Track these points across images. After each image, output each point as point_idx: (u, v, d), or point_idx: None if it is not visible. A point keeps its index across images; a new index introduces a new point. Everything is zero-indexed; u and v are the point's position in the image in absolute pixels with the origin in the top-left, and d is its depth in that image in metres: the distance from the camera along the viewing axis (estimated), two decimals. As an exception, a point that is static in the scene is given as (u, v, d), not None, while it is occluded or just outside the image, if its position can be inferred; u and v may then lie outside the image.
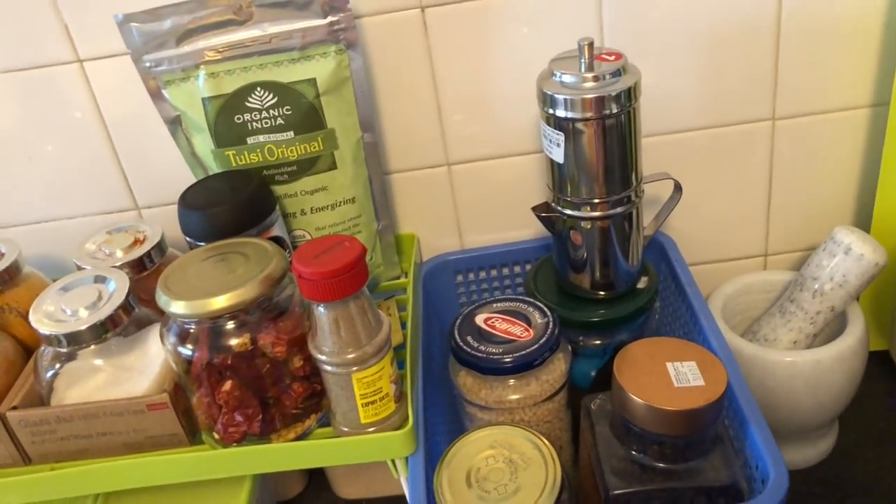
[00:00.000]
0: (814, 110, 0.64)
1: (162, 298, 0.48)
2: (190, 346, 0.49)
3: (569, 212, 0.57)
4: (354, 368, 0.49)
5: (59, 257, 0.68)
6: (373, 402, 0.50)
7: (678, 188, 0.61)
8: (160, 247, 0.59)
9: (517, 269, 0.70)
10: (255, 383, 0.50)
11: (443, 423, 0.60)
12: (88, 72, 0.62)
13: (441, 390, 0.61)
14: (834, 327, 0.64)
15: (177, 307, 0.48)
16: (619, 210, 0.56)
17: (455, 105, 0.64)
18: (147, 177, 0.67)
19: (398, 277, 0.67)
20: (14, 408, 0.53)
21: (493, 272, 0.70)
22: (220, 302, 0.47)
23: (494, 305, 0.59)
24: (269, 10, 0.55)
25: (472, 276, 0.70)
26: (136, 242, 0.59)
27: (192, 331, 0.49)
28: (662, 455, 0.50)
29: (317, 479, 0.73)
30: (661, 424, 0.48)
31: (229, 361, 0.49)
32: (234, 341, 0.49)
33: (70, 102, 0.64)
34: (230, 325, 0.49)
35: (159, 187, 0.67)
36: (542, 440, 0.50)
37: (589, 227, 0.57)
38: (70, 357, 0.53)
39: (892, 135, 0.61)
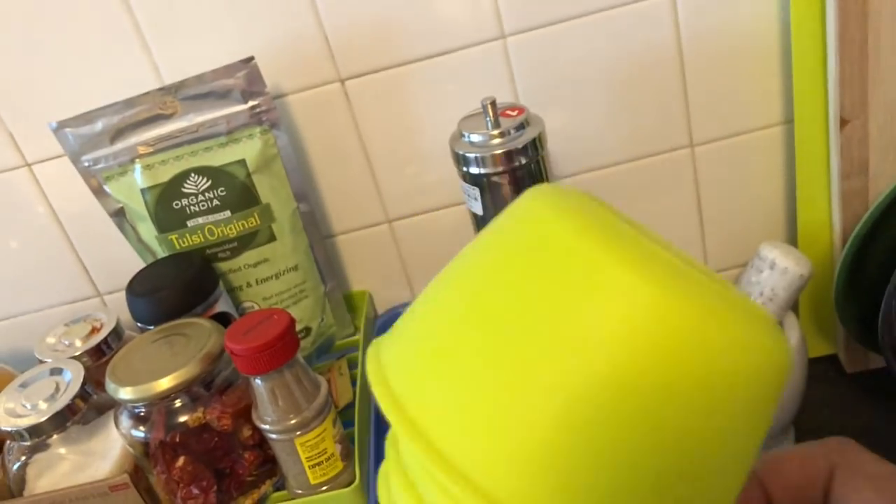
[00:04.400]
0: (729, 133, 0.67)
1: (110, 386, 0.51)
2: (142, 429, 0.52)
3: (497, 259, 0.60)
4: (297, 433, 0.51)
5: (27, 350, 0.71)
6: (319, 464, 0.52)
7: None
8: (116, 332, 0.63)
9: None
10: (206, 456, 0.53)
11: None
12: (37, 173, 0.66)
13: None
14: (775, 339, 0.66)
15: (124, 393, 0.51)
16: (544, 252, 0.59)
17: (386, 164, 0.67)
18: (105, 265, 0.71)
19: (353, 335, 0.70)
20: (-14, 502, 0.55)
21: (446, 318, 0.73)
22: (164, 384, 0.50)
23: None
24: (193, 101, 0.58)
25: (426, 324, 0.73)
26: (94, 331, 0.63)
27: (142, 414, 0.52)
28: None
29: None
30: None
31: (178, 439, 0.51)
32: (182, 419, 0.52)
33: (25, 203, 0.67)
34: (177, 403, 0.52)
35: (118, 273, 0.70)
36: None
37: (518, 270, 0.60)
38: (35, 449, 0.56)
39: (801, 150, 0.63)
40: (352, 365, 0.66)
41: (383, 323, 0.72)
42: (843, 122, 0.59)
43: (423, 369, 0.21)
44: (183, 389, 0.50)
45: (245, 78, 0.58)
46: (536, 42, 0.62)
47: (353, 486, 0.53)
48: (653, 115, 0.66)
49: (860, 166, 0.61)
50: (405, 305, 0.72)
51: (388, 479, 0.23)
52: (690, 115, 0.66)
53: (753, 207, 0.70)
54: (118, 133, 0.59)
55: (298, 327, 0.65)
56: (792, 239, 0.70)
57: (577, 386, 0.18)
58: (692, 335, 0.18)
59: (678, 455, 0.19)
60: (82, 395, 0.55)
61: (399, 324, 0.24)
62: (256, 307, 0.64)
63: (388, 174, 0.67)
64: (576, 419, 0.18)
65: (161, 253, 0.62)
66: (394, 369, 0.22)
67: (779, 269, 0.62)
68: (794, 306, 0.69)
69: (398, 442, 0.24)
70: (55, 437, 0.55)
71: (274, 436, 0.52)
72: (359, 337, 0.67)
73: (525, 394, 0.19)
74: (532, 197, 0.23)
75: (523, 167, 0.56)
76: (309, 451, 0.52)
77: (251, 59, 0.57)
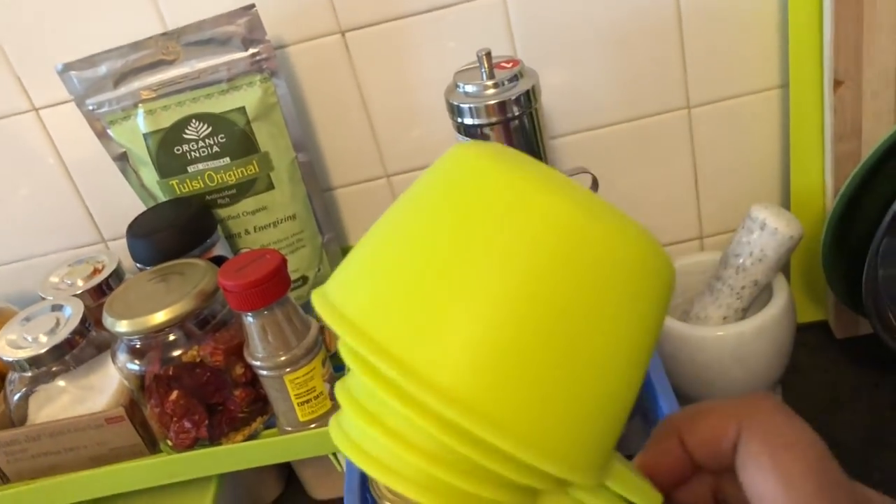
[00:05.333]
0: (726, 95, 0.67)
1: (108, 320, 0.53)
2: (138, 362, 0.54)
3: (489, 211, 0.61)
4: (287, 370, 0.53)
5: (33, 293, 0.73)
6: (308, 401, 0.54)
7: (595, 182, 0.64)
8: (117, 274, 0.64)
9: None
10: (199, 391, 0.54)
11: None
12: (45, 118, 0.67)
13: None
14: (765, 301, 0.67)
15: (121, 326, 0.52)
16: (535, 205, 0.60)
17: (386, 120, 0.68)
18: (109, 210, 0.72)
19: (348, 286, 0.71)
20: (-13, 430, 0.57)
21: (442, 274, 0.74)
22: (158, 318, 0.52)
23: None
24: (195, 48, 0.59)
25: (422, 279, 0.74)
26: (95, 272, 0.64)
27: (137, 347, 0.54)
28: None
29: (293, 482, 0.77)
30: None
31: (171, 373, 0.53)
32: (176, 353, 0.53)
33: (32, 148, 0.69)
34: (171, 337, 0.53)
35: (121, 219, 0.71)
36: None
37: (510, 223, 0.61)
38: (37, 381, 0.57)
39: (795, 113, 0.64)
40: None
41: (379, 276, 0.73)
42: (837, 84, 0.60)
43: (369, 288, 0.24)
44: (177, 324, 0.52)
45: (246, 25, 0.59)
46: (536, -1, 0.63)
47: (340, 424, 0.54)
48: (650, 76, 0.66)
49: (853, 129, 0.61)
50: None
51: (340, 421, 0.25)
52: (688, 76, 0.66)
53: (749, 170, 0.70)
54: (122, 77, 0.60)
55: (295, 276, 0.67)
56: (786, 202, 0.70)
57: (506, 283, 0.22)
58: (582, 234, 0.23)
59: (580, 322, 0.22)
60: (81, 330, 0.57)
61: (342, 262, 0.26)
62: (254, 254, 0.65)
63: (388, 129, 0.68)
64: (507, 311, 0.22)
65: (162, 198, 0.64)
66: (341, 294, 0.24)
67: (769, 229, 0.63)
68: (785, 270, 0.70)
69: (348, 380, 0.25)
70: (55, 370, 0.57)
71: (264, 372, 0.53)
72: (354, 287, 0.69)
73: (465, 295, 0.22)
74: (457, 147, 0.26)
75: (516, 118, 0.56)
76: (298, 388, 0.53)
77: (252, 6, 0.58)
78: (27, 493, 0.58)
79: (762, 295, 0.67)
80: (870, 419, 0.66)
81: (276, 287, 0.51)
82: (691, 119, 0.68)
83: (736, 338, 0.63)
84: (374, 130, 0.69)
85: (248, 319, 0.52)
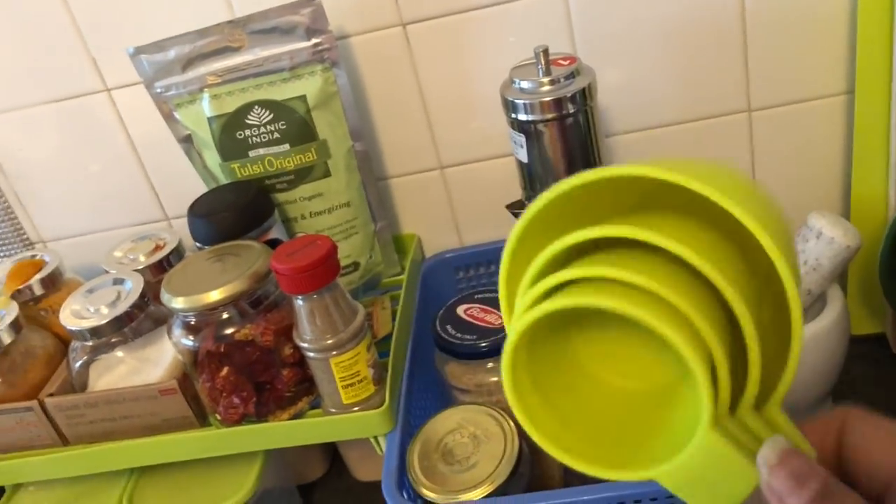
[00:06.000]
0: (789, 100, 0.66)
1: (165, 296, 0.55)
2: (191, 338, 0.56)
3: (540, 207, 0.61)
4: (333, 353, 0.54)
5: (99, 265, 0.76)
6: (352, 385, 0.55)
7: (649, 181, 0.64)
8: (178, 251, 0.67)
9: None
10: (248, 369, 0.56)
11: (434, 406, 0.65)
12: (116, 99, 0.70)
13: (435, 376, 0.66)
14: (818, 311, 0.66)
15: (177, 302, 0.54)
16: (586, 203, 0.60)
17: (442, 112, 0.69)
18: (174, 190, 0.75)
19: (399, 274, 0.72)
20: (51, 395, 0.60)
21: (492, 267, 0.75)
22: (213, 296, 0.54)
23: (475, 297, 0.63)
24: (259, 36, 0.61)
25: (471, 271, 0.75)
26: (157, 248, 0.67)
27: (192, 323, 0.56)
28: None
29: (337, 463, 0.79)
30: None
31: (223, 350, 0.55)
32: (229, 331, 0.55)
33: (104, 127, 0.72)
34: (224, 315, 0.55)
35: (184, 198, 0.74)
36: (504, 417, 0.54)
37: (560, 220, 0.61)
38: (97, 350, 0.60)
39: (860, 121, 0.62)
40: (394, 301, 0.68)
41: (429, 267, 0.74)
42: (905, 92, 0.58)
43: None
44: (230, 303, 0.54)
45: (310, 15, 0.60)
46: (598, -4, 0.63)
47: (382, 408, 0.56)
48: (712, 77, 0.65)
49: (920, 139, 0.60)
50: (452, 251, 0.74)
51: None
52: (750, 79, 0.65)
53: (810, 177, 0.69)
54: (189, 62, 0.62)
55: (347, 262, 0.68)
56: (846, 211, 0.69)
57: None
58: None
59: None
60: (140, 304, 0.59)
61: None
62: (308, 239, 0.67)
63: (444, 121, 0.69)
64: None
65: (224, 180, 0.66)
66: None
67: (825, 238, 0.62)
68: (842, 280, 0.68)
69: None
70: (114, 341, 0.60)
71: (311, 354, 0.55)
72: (403, 277, 0.70)
73: None
74: None
75: (571, 115, 0.57)
76: (342, 371, 0.55)
77: (316, -3, 0.60)
78: (84, 456, 0.61)
79: (816, 304, 0.66)
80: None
81: (326, 272, 0.52)
82: (752, 122, 0.67)
83: (786, 346, 0.62)
84: (431, 122, 0.69)
85: (298, 302, 0.53)
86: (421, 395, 0.63)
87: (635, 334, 0.31)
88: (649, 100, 0.67)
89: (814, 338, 0.62)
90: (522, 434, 0.54)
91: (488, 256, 0.74)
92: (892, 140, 0.61)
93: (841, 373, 0.64)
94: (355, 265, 0.69)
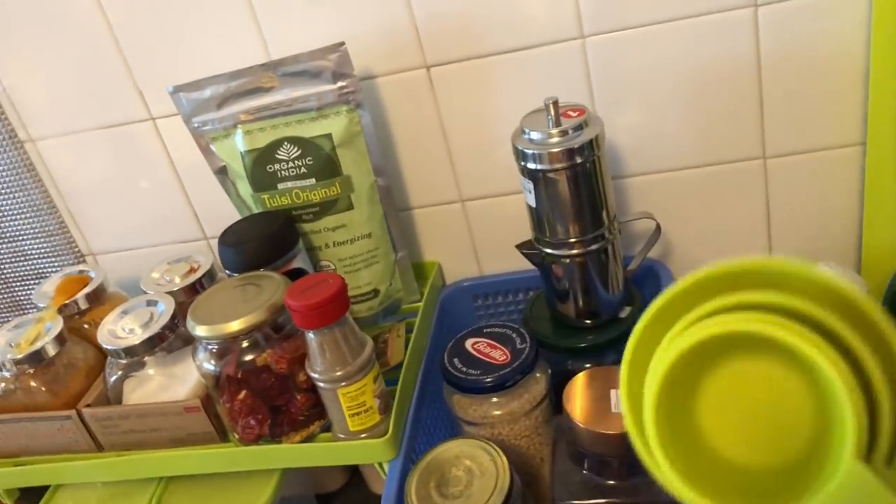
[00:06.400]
0: (804, 148, 0.67)
1: (190, 323, 0.59)
2: (213, 362, 0.60)
3: (548, 250, 0.64)
4: (342, 384, 0.58)
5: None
6: (358, 414, 0.59)
7: (658, 227, 0.66)
8: (210, 274, 0.71)
9: (531, 294, 0.77)
10: (264, 393, 0.60)
11: (443, 434, 0.68)
12: (160, 127, 0.75)
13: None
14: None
15: (200, 330, 0.59)
16: (593, 248, 0.62)
17: (463, 149, 0.72)
18: (212, 212, 0.79)
19: (419, 301, 0.75)
20: (88, 405, 0.66)
21: (509, 297, 0.77)
22: (232, 326, 0.58)
23: (484, 331, 0.66)
24: (289, 78, 0.65)
25: (489, 300, 0.78)
26: (191, 271, 0.72)
27: (214, 350, 0.60)
28: (608, 472, 0.56)
29: (356, 475, 0.83)
30: (600, 445, 0.54)
31: (241, 375, 0.59)
32: (248, 357, 0.59)
33: (149, 152, 0.77)
34: (244, 344, 0.59)
35: (222, 220, 0.78)
36: (497, 453, 0.57)
37: (568, 262, 0.64)
38: (131, 367, 0.65)
39: (871, 172, 0.63)
40: (410, 329, 0.71)
41: (448, 294, 0.77)
42: (913, 150, 0.59)
43: None
44: (247, 333, 0.58)
45: (336, 60, 0.64)
46: (614, 44, 0.64)
47: (386, 437, 0.59)
48: (726, 123, 0.66)
49: (929, 196, 0.60)
50: (470, 279, 0.77)
51: None
52: (765, 126, 0.66)
53: (824, 227, 0.70)
54: (224, 100, 0.66)
55: (368, 289, 0.72)
56: (859, 262, 0.69)
57: None
58: None
59: None
60: (171, 325, 0.64)
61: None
62: (332, 266, 0.71)
63: (465, 157, 0.72)
64: None
65: (255, 209, 0.70)
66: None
67: (831, 290, 0.63)
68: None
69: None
70: (147, 359, 0.64)
71: (321, 384, 0.58)
72: (420, 304, 0.73)
73: None
74: None
75: (578, 165, 0.59)
76: (349, 401, 0.58)
77: (342, 43, 0.63)
78: (116, 464, 0.66)
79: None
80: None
81: (335, 310, 0.56)
82: (767, 169, 0.68)
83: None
84: (452, 157, 0.72)
85: (310, 336, 0.57)
86: (431, 422, 0.66)
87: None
88: (665, 143, 0.68)
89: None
90: (514, 469, 0.57)
91: (506, 286, 0.77)
92: (903, 194, 0.61)
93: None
94: (375, 292, 0.72)
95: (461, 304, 0.78)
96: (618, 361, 0.63)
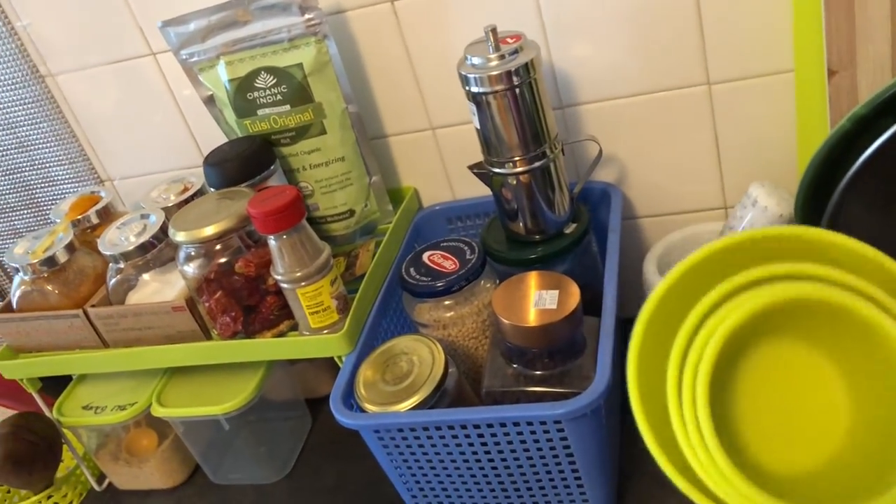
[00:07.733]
0: (744, 75, 0.70)
1: (171, 230, 0.67)
2: (191, 265, 0.68)
3: (496, 169, 0.69)
4: (301, 284, 0.65)
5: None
6: (317, 312, 0.66)
7: (600, 150, 0.70)
8: (201, 192, 0.79)
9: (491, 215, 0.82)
10: (236, 294, 0.68)
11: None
12: (160, 62, 0.82)
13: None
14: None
15: (179, 236, 0.67)
16: (536, 165, 0.68)
17: (430, 79, 0.77)
18: (210, 140, 0.87)
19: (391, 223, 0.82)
20: (93, 306, 0.75)
21: (481, 219, 0.83)
22: (206, 231, 0.65)
23: (441, 245, 0.72)
24: (262, 11, 0.71)
25: (462, 222, 0.84)
26: (185, 190, 0.80)
27: (192, 254, 0.68)
28: (535, 364, 0.62)
29: (344, 383, 0.90)
30: (520, 337, 0.60)
31: (213, 276, 0.67)
32: (221, 261, 0.67)
33: (152, 86, 0.84)
34: (217, 248, 0.67)
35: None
36: (437, 347, 0.64)
37: (514, 181, 0.69)
38: (129, 273, 0.74)
39: (800, 97, 0.66)
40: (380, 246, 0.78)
41: (423, 217, 0.83)
42: (831, 73, 0.62)
43: None
44: (218, 238, 0.66)
45: (302, -5, 0.70)
46: (562, -24, 0.69)
47: (342, 332, 0.66)
48: (669, 51, 0.70)
49: (849, 116, 0.63)
50: (442, 203, 0.83)
51: None
52: (707, 54, 0.70)
53: (768, 146, 0.73)
54: (207, 33, 0.73)
55: (343, 209, 0.79)
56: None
57: None
58: None
59: None
60: (159, 235, 0.72)
61: None
62: (310, 188, 0.78)
63: (432, 87, 0.78)
64: None
65: (240, 134, 0.77)
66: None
67: (759, 206, 0.67)
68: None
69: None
70: (142, 265, 0.73)
71: (284, 285, 0.66)
72: (391, 223, 0.79)
73: None
74: None
75: (516, 87, 0.64)
76: (308, 300, 0.65)
77: (307, -22, 0.69)
78: (119, 356, 0.75)
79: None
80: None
81: (291, 216, 0.63)
82: (711, 95, 0.72)
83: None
84: (420, 87, 0.78)
85: (271, 241, 0.64)
86: (393, 330, 0.73)
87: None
88: (613, 72, 0.72)
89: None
90: (453, 362, 0.64)
91: (476, 209, 0.83)
92: (830, 113, 0.64)
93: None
94: (351, 212, 0.79)
95: (435, 227, 0.84)
96: (563, 272, 0.69)
